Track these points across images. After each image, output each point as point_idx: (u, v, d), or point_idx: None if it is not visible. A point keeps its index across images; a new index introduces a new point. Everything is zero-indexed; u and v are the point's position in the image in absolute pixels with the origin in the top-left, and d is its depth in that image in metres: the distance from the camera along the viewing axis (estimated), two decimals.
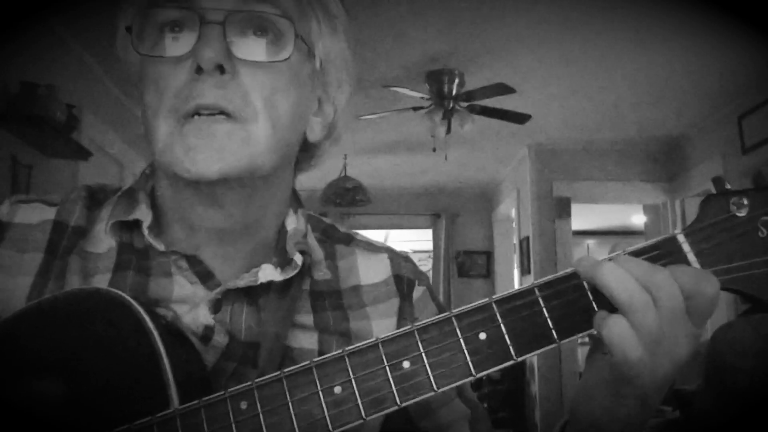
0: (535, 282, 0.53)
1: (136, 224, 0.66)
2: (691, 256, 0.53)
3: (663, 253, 0.53)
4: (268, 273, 0.66)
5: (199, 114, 0.60)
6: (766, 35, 3.02)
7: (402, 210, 6.76)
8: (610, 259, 0.52)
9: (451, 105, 3.77)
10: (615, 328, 0.49)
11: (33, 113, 2.61)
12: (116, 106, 3.77)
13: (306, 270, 0.69)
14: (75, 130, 2.93)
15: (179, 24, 0.61)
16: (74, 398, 0.55)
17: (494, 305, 0.52)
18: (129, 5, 0.65)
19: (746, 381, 1.41)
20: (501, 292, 0.53)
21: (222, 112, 0.60)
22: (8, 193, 2.61)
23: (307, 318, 0.69)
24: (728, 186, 0.55)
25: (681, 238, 0.53)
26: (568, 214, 5.14)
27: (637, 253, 0.53)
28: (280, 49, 0.62)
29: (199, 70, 0.59)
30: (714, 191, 0.55)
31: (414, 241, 7.66)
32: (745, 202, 0.53)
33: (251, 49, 0.61)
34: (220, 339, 0.64)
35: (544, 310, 0.52)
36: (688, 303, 0.50)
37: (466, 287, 6.59)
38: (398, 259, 0.77)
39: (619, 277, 0.50)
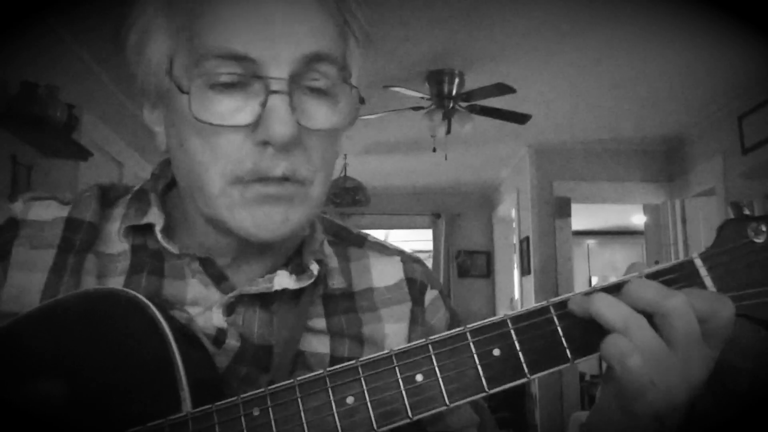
0: (551, 300, 0.53)
1: (149, 227, 0.66)
2: (707, 281, 0.53)
3: (680, 277, 0.53)
4: (284, 281, 0.65)
5: (260, 181, 0.59)
6: (766, 35, 3.02)
7: (402, 210, 6.76)
8: (625, 282, 0.52)
9: (451, 105, 3.77)
10: (610, 343, 0.50)
11: (33, 113, 2.61)
12: (116, 106, 3.77)
13: (321, 279, 0.69)
14: (75, 130, 2.93)
15: (236, 85, 0.58)
16: (88, 399, 0.55)
17: (509, 322, 0.52)
18: (157, 24, 0.61)
19: (747, 382, 1.41)
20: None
21: (286, 179, 0.59)
22: (8, 193, 2.61)
23: (319, 322, 0.69)
24: (746, 211, 0.55)
25: (698, 262, 0.53)
26: (568, 214, 5.14)
27: (654, 276, 0.53)
28: (339, 108, 0.62)
29: (265, 142, 0.57)
30: (732, 215, 0.55)
31: (414, 241, 7.66)
32: (764, 228, 0.53)
33: (315, 115, 0.60)
34: (233, 342, 0.64)
35: (559, 329, 0.52)
36: (704, 326, 0.50)
37: (466, 287, 6.59)
38: (411, 261, 0.77)
39: (610, 306, 0.50)
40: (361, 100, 0.65)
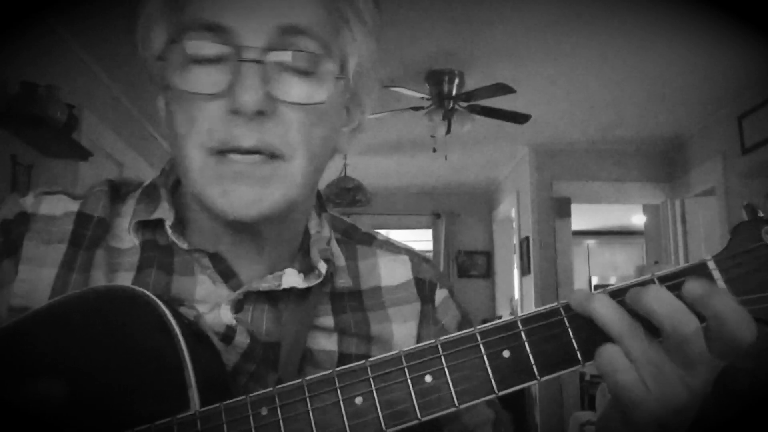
0: (561, 302, 0.52)
1: (159, 222, 0.66)
2: (720, 284, 0.52)
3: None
4: (291, 279, 0.65)
5: (234, 152, 0.58)
6: (766, 35, 3.02)
7: (402, 210, 6.76)
8: (639, 284, 0.51)
9: (451, 105, 3.77)
10: (603, 355, 0.49)
11: (33, 113, 2.61)
12: (116, 106, 3.77)
13: (328, 277, 0.69)
14: (75, 130, 2.93)
15: (217, 59, 0.58)
16: (95, 397, 0.55)
17: (519, 323, 0.52)
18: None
19: (747, 381, 1.41)
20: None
21: (259, 152, 0.58)
22: (8, 193, 2.61)
23: (327, 320, 0.69)
24: (760, 213, 0.53)
25: (711, 264, 0.52)
26: (568, 214, 5.15)
27: (666, 279, 0.52)
28: (319, 85, 0.60)
29: (236, 111, 0.57)
30: (746, 218, 0.54)
31: (414, 241, 7.64)
32: None
33: (291, 88, 0.59)
34: (242, 339, 0.64)
35: (570, 330, 0.51)
36: (718, 340, 0.49)
37: (466, 287, 6.58)
38: (419, 261, 0.77)
39: (610, 309, 0.50)
40: (340, 62, 0.63)
